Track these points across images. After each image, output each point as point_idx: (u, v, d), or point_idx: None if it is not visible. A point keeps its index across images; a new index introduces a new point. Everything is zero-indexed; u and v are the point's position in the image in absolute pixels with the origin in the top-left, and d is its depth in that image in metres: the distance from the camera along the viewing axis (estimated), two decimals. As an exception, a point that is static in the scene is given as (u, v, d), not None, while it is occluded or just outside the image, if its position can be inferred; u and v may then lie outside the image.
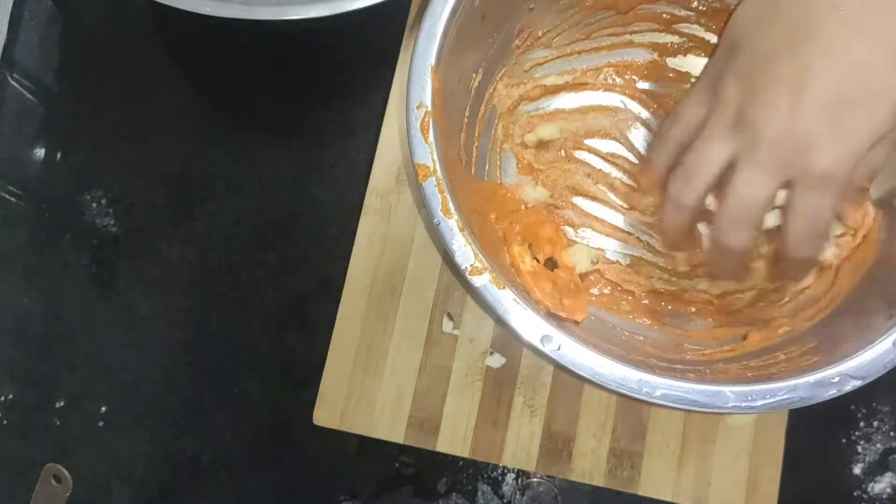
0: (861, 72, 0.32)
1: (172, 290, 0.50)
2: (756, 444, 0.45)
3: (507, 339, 0.47)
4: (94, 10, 0.54)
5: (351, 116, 0.51)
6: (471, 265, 0.37)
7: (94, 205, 0.51)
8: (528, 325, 0.36)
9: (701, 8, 0.46)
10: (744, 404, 0.35)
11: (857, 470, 0.47)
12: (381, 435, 0.46)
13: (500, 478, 0.47)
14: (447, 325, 0.47)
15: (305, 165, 0.51)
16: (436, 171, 0.38)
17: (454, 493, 0.47)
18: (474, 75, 0.45)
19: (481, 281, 0.36)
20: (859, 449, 0.47)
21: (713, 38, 0.47)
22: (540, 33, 0.47)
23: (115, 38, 0.54)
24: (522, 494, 0.47)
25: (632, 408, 0.46)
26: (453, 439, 0.46)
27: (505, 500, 0.47)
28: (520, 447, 0.46)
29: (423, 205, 0.38)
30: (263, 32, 0.52)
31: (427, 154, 0.38)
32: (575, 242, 0.47)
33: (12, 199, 0.52)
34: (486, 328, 0.47)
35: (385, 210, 0.48)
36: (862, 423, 0.47)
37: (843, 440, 0.47)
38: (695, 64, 0.48)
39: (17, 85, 0.53)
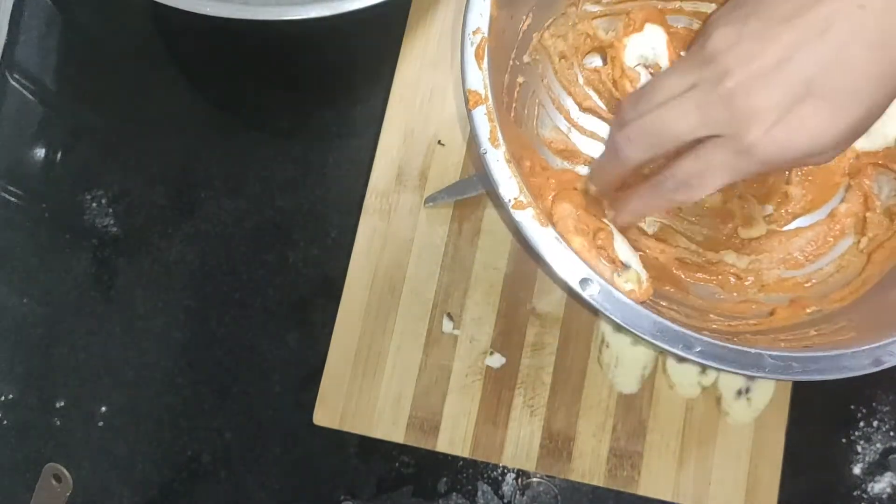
0: (847, 72, 0.31)
1: (172, 290, 0.50)
2: (756, 444, 0.45)
3: (507, 339, 0.47)
4: (94, 10, 0.54)
5: (351, 116, 0.51)
6: (515, 198, 0.36)
7: (94, 205, 0.51)
8: (568, 266, 0.35)
9: None
10: (780, 368, 0.34)
11: (856, 470, 0.47)
12: (381, 435, 0.46)
13: (500, 478, 0.47)
14: (447, 325, 0.47)
15: (305, 165, 0.51)
16: (487, 99, 0.37)
17: (454, 493, 0.47)
18: (524, 18, 0.44)
19: (524, 216, 0.35)
20: (859, 449, 0.47)
21: None
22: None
23: (115, 38, 0.54)
24: (522, 494, 0.47)
25: (631, 408, 0.46)
26: (453, 439, 0.46)
27: (505, 500, 0.47)
28: (520, 447, 0.46)
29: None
30: (263, 32, 0.52)
31: (480, 81, 0.37)
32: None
33: (12, 199, 0.52)
34: (486, 328, 0.47)
35: (385, 210, 0.48)
36: (862, 423, 0.47)
37: (843, 440, 0.47)
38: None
39: (17, 85, 0.53)
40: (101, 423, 0.49)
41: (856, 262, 0.43)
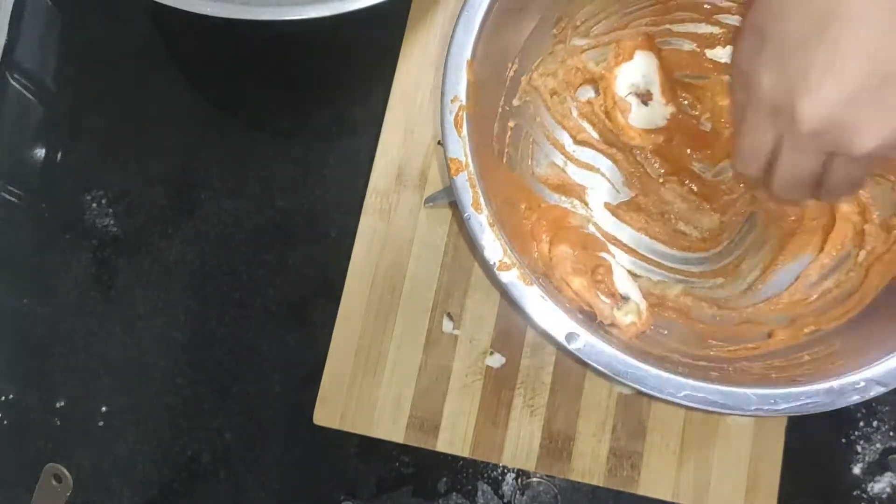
0: (893, 43, 0.31)
1: (172, 290, 0.50)
2: (756, 444, 0.45)
3: (507, 338, 0.47)
4: (94, 10, 0.54)
5: (351, 116, 0.51)
6: (499, 261, 0.36)
7: (94, 205, 0.51)
8: (554, 322, 0.36)
9: None
10: (766, 407, 0.35)
11: (856, 470, 0.47)
12: (381, 435, 0.46)
13: (500, 478, 0.47)
14: (447, 325, 0.47)
15: (305, 165, 0.51)
16: (468, 166, 0.37)
17: (454, 493, 0.47)
18: (510, 65, 0.44)
19: (509, 277, 0.36)
20: (859, 449, 0.47)
21: None
22: (578, 22, 0.46)
23: (115, 38, 0.54)
24: (522, 494, 0.47)
25: (631, 408, 0.46)
26: (453, 439, 0.46)
27: (505, 500, 0.47)
28: (520, 447, 0.46)
29: (454, 198, 0.37)
30: (263, 32, 0.52)
31: (460, 148, 0.38)
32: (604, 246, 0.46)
33: (12, 199, 0.52)
34: (486, 328, 0.47)
35: (385, 210, 0.48)
36: (862, 423, 0.47)
37: (843, 440, 0.47)
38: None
39: (17, 85, 0.53)
40: (101, 423, 0.49)
41: (854, 277, 0.44)
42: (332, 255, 0.49)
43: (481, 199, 0.37)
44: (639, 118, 0.47)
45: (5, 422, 0.49)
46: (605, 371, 0.35)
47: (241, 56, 0.53)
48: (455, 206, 0.48)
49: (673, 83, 0.47)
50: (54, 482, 0.48)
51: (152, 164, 0.52)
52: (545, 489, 0.47)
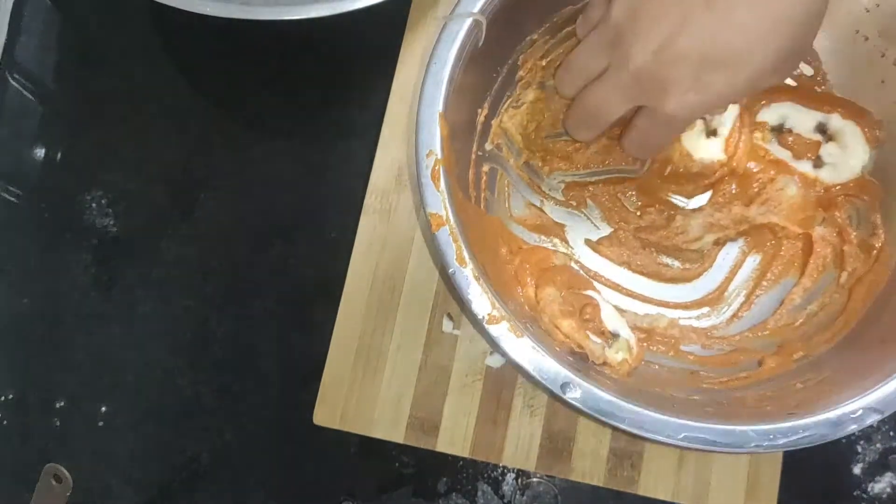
0: (736, 35, 0.34)
1: (172, 290, 0.50)
2: (756, 444, 0.45)
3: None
4: (93, 10, 0.54)
5: (351, 116, 0.51)
6: (488, 314, 0.36)
7: (94, 205, 0.51)
8: (548, 373, 0.36)
9: None
10: (766, 443, 0.35)
11: (857, 470, 0.47)
12: (381, 435, 0.46)
13: (500, 478, 0.47)
14: (447, 325, 0.47)
15: (305, 165, 0.51)
16: (448, 220, 0.37)
17: (454, 493, 0.47)
18: (479, 110, 0.45)
19: (499, 330, 0.36)
20: (859, 449, 0.47)
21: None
22: (543, 63, 0.47)
23: (115, 38, 0.54)
24: (522, 494, 0.47)
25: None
26: (453, 439, 0.46)
27: (505, 500, 0.47)
28: (520, 447, 0.46)
29: (437, 253, 0.38)
30: (263, 32, 0.52)
31: (439, 202, 0.37)
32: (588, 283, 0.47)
33: (12, 199, 0.52)
34: (486, 328, 0.47)
35: (385, 210, 0.48)
36: (862, 423, 0.47)
37: (843, 440, 0.47)
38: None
39: (17, 85, 0.53)
40: (101, 423, 0.49)
41: (837, 300, 0.44)
42: (332, 255, 0.49)
43: (465, 253, 0.37)
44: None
45: (5, 422, 0.49)
46: (603, 419, 0.36)
47: (241, 56, 0.53)
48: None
49: None
50: (54, 482, 0.48)
51: (152, 164, 0.52)
52: (545, 489, 0.47)
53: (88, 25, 0.54)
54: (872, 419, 0.35)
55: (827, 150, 0.45)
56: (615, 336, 0.43)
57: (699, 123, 0.45)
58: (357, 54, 0.52)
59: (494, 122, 0.46)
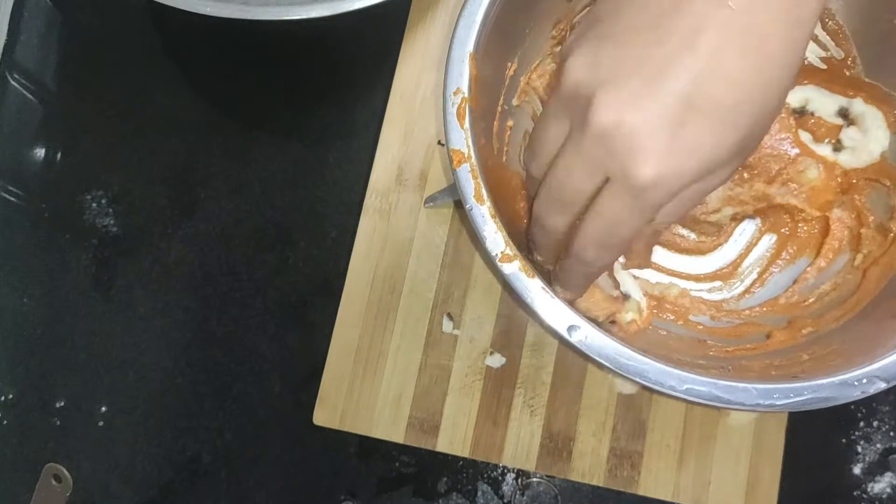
0: (725, 85, 0.28)
1: (172, 290, 0.50)
2: (756, 444, 0.45)
3: (507, 338, 0.47)
4: (93, 9, 0.54)
5: (351, 116, 0.51)
6: (501, 252, 0.36)
7: (94, 205, 0.51)
8: (555, 314, 0.36)
9: None
10: (767, 402, 0.35)
11: (857, 470, 0.47)
12: (381, 435, 0.46)
13: (500, 478, 0.47)
14: (447, 325, 0.47)
15: (305, 165, 0.51)
16: (470, 158, 0.37)
17: (454, 493, 0.47)
18: (510, 64, 0.44)
19: (511, 268, 0.36)
20: (859, 449, 0.47)
21: None
22: (576, 26, 0.46)
23: (115, 38, 0.54)
24: (522, 494, 0.47)
25: (631, 408, 0.46)
26: (453, 439, 0.46)
27: (505, 500, 0.47)
28: (520, 447, 0.46)
29: (456, 197, 0.37)
30: (263, 32, 0.52)
31: (462, 140, 0.37)
32: None
33: (12, 199, 0.52)
34: (486, 328, 0.47)
35: (385, 210, 0.48)
36: (862, 423, 0.47)
37: (843, 440, 0.47)
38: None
39: (17, 85, 0.53)
40: (101, 423, 0.49)
41: (851, 280, 0.44)
42: (332, 255, 0.49)
43: (483, 191, 0.37)
44: None
45: (5, 422, 0.49)
46: (607, 364, 0.35)
47: (241, 56, 0.53)
48: (457, 205, 0.48)
49: None
50: (54, 482, 0.48)
51: (152, 164, 0.52)
52: (545, 489, 0.47)
53: (89, 25, 0.54)
54: (877, 387, 0.35)
55: (847, 134, 0.45)
56: (626, 297, 0.43)
57: None
58: (357, 54, 0.52)
59: (523, 79, 0.46)
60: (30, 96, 0.53)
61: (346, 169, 0.51)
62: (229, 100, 0.53)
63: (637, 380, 0.35)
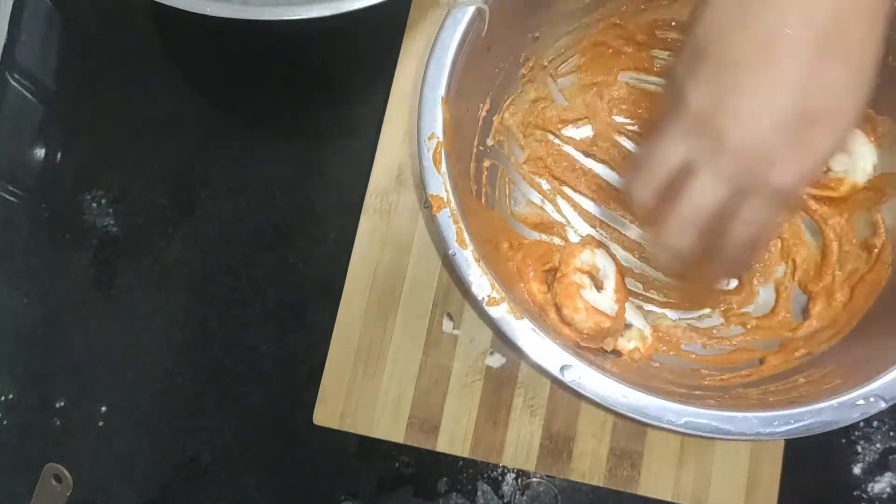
0: (828, 92, 0.33)
1: (172, 290, 0.50)
2: (756, 444, 0.45)
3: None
4: (94, 10, 0.54)
5: (351, 116, 0.51)
6: (488, 296, 0.37)
7: (94, 205, 0.51)
8: (547, 354, 0.36)
9: None
10: (768, 430, 0.35)
11: (857, 470, 0.47)
12: (381, 435, 0.46)
13: (500, 478, 0.47)
14: (447, 325, 0.47)
15: (305, 165, 0.51)
16: (450, 202, 0.37)
17: (454, 493, 0.47)
18: (482, 105, 0.45)
19: (499, 312, 0.36)
20: (859, 449, 0.47)
21: None
22: (545, 62, 0.47)
23: (115, 38, 0.54)
24: (522, 494, 0.47)
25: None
26: (453, 439, 0.46)
27: (505, 500, 0.47)
28: (520, 447, 0.46)
29: (437, 236, 0.37)
30: (263, 32, 0.52)
31: (440, 185, 0.38)
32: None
33: (12, 199, 0.52)
34: (486, 328, 0.47)
35: (385, 210, 0.48)
36: (862, 423, 0.47)
37: (843, 440, 0.47)
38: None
39: (17, 85, 0.53)
40: (101, 423, 0.49)
41: (838, 301, 0.44)
42: (332, 255, 0.49)
43: (465, 235, 0.37)
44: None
45: (5, 422, 0.49)
46: (602, 403, 0.35)
47: (241, 56, 0.53)
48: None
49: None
50: (54, 482, 0.48)
51: (152, 164, 0.52)
52: (545, 489, 0.47)
53: (89, 25, 0.54)
54: (877, 407, 0.35)
55: (835, 161, 0.45)
56: (628, 326, 0.43)
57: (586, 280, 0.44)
58: (357, 54, 0.52)
59: (496, 119, 0.46)
60: (30, 96, 0.53)
61: (346, 169, 0.51)
62: (229, 100, 0.53)
63: (635, 417, 0.35)
